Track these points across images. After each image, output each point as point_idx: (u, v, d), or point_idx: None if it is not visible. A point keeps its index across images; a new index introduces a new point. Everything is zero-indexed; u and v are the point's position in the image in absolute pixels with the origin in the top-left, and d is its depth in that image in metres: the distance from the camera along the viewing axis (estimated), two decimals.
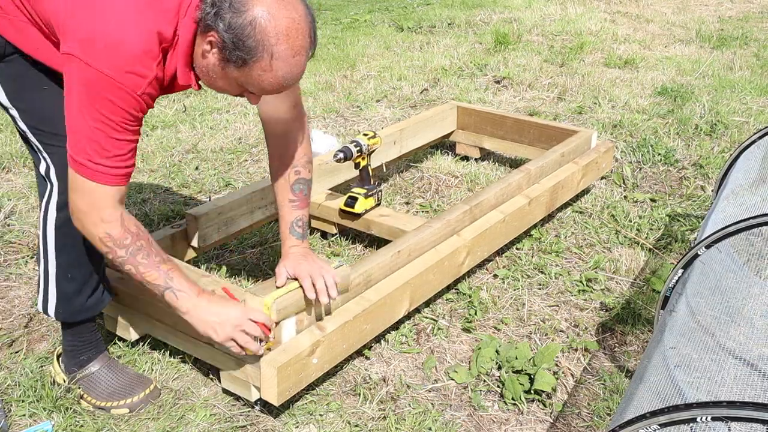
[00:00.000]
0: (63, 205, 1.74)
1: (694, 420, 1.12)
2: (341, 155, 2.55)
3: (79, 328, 1.93)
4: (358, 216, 2.62)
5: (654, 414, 1.16)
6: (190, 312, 1.72)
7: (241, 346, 1.74)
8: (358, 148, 2.58)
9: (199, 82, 1.67)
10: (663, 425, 1.14)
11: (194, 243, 2.37)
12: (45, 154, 1.75)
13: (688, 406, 1.12)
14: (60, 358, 2.01)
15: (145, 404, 1.95)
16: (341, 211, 2.65)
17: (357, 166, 2.64)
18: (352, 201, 2.61)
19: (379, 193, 2.68)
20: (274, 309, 1.80)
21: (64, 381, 1.97)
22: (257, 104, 1.75)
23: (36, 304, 2.29)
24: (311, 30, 1.56)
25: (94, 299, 1.90)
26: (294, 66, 1.55)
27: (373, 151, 2.68)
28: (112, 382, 1.96)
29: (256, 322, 1.75)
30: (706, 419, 1.11)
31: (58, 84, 1.66)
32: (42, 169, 1.78)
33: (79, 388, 1.96)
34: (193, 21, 1.55)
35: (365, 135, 2.63)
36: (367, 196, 2.62)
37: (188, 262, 2.36)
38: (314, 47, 1.59)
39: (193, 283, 1.74)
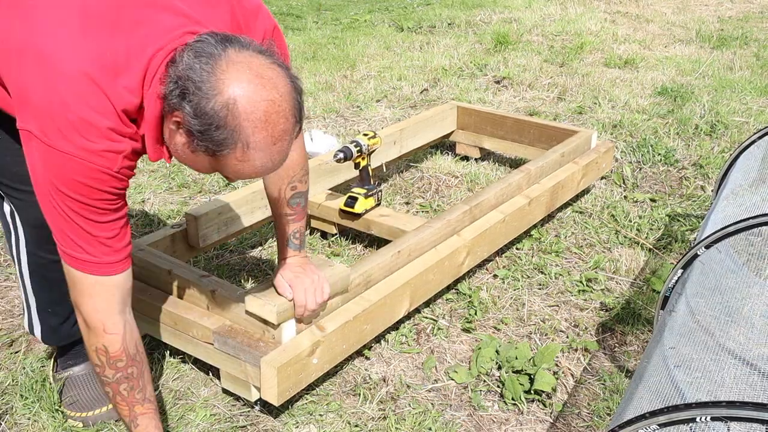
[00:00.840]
0: (33, 254, 1.65)
1: (693, 420, 1.12)
2: (341, 155, 2.54)
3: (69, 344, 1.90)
4: (358, 216, 2.62)
5: (653, 414, 1.16)
6: None
7: None
8: (358, 148, 2.59)
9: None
10: (662, 425, 1.14)
11: (194, 243, 2.36)
12: (8, 201, 1.62)
13: (688, 406, 1.12)
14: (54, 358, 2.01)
15: (103, 420, 1.89)
16: (341, 211, 2.65)
17: (357, 166, 2.65)
18: (352, 201, 2.61)
19: (379, 193, 2.68)
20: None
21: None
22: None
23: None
24: (295, 106, 1.34)
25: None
26: (274, 154, 1.34)
27: (373, 151, 2.68)
28: (83, 391, 1.90)
29: None
30: (705, 419, 1.11)
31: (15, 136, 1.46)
32: (6, 210, 1.65)
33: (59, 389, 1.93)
34: (158, 96, 1.35)
35: (365, 135, 2.63)
36: (367, 196, 2.62)
37: (188, 262, 2.36)
38: (300, 123, 1.39)
39: None
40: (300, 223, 1.92)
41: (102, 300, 1.47)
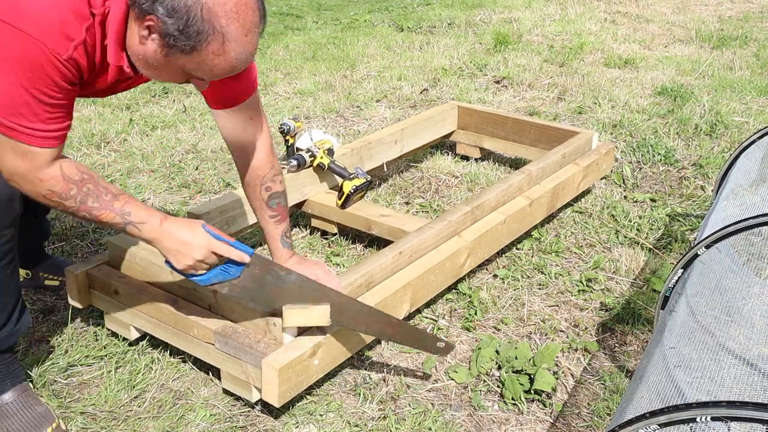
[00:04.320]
0: None
1: (693, 420, 1.12)
2: (294, 162, 2.65)
3: None
4: (349, 198, 2.62)
5: (653, 414, 1.16)
6: (156, 242, 1.65)
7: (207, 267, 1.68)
8: (310, 153, 2.70)
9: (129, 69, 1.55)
10: (662, 425, 1.14)
11: None
12: None
13: (688, 406, 1.13)
14: None
15: None
16: (340, 207, 2.66)
17: (287, 145, 2.70)
18: (339, 191, 2.67)
19: (367, 175, 2.68)
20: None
21: None
22: (203, 90, 1.65)
23: None
24: (260, 2, 1.46)
25: (6, 331, 1.79)
26: (247, 45, 1.44)
27: (329, 148, 2.74)
28: (16, 418, 1.82)
29: (217, 253, 1.67)
30: (705, 419, 1.11)
31: None
32: None
33: None
34: (124, 1, 1.42)
35: (294, 119, 2.71)
36: (351, 178, 2.64)
37: None
38: (264, 21, 1.49)
39: (154, 211, 1.66)
40: (286, 223, 1.97)
41: (33, 161, 1.50)
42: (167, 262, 1.70)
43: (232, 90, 1.82)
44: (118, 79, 1.63)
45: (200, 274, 1.70)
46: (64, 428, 1.86)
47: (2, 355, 1.83)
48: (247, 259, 1.72)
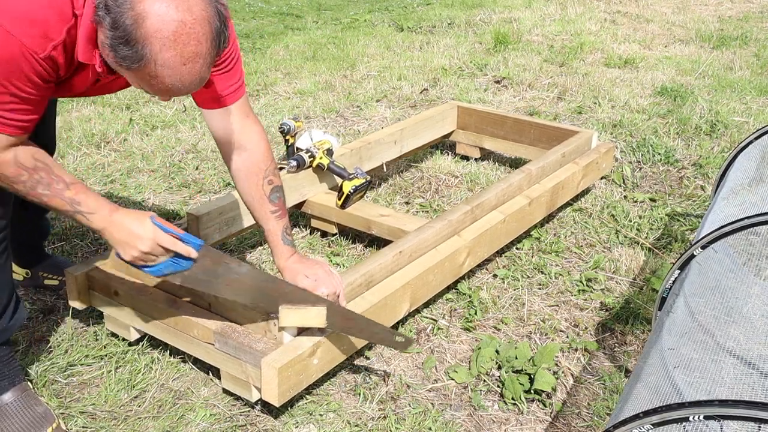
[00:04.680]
0: None
1: (686, 419, 1.12)
2: (294, 163, 2.65)
3: None
4: (349, 198, 2.63)
5: (647, 414, 1.16)
6: (104, 232, 1.67)
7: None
8: (309, 153, 2.69)
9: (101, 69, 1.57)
10: (656, 425, 1.14)
11: None
12: None
13: (681, 406, 1.13)
14: None
15: None
16: (340, 207, 2.66)
17: (287, 144, 2.71)
18: (339, 192, 2.67)
19: (366, 176, 2.69)
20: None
21: None
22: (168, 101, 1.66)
23: None
24: (212, 33, 1.43)
25: (4, 321, 1.81)
26: (185, 74, 1.43)
27: (328, 148, 2.74)
28: (16, 419, 1.83)
29: (163, 246, 1.69)
30: (698, 418, 1.11)
31: None
32: None
33: None
34: (92, 3, 1.43)
35: (294, 119, 2.72)
36: (350, 178, 2.64)
37: None
38: (219, 50, 1.47)
39: (105, 202, 1.68)
40: (286, 219, 1.96)
41: None
42: (117, 254, 1.72)
43: (215, 92, 1.83)
44: (98, 78, 1.65)
45: (151, 266, 1.72)
46: (64, 428, 1.87)
47: (4, 352, 1.84)
48: (193, 254, 1.73)
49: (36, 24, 1.43)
